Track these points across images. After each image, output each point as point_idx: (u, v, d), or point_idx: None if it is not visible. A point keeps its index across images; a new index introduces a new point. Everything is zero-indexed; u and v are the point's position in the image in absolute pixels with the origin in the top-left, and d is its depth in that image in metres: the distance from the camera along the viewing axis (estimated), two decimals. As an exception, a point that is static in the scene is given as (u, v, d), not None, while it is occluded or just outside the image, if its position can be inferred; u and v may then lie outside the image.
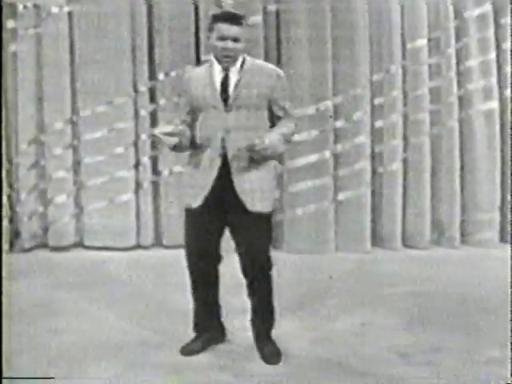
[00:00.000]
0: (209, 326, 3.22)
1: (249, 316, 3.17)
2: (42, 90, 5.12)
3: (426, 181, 5.20)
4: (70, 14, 5.10)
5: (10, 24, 5.09)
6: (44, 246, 5.25)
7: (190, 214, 2.98)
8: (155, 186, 5.26)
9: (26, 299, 3.95)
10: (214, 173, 2.90)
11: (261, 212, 2.92)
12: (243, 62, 2.91)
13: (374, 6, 5.09)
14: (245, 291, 3.11)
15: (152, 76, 5.14)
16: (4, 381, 2.78)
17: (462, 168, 5.23)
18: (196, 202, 2.93)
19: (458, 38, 5.16)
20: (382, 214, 5.21)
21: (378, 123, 5.17)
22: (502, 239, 5.25)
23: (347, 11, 5.03)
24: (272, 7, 5.09)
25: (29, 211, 5.22)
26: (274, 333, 3.21)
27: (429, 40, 5.14)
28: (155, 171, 5.24)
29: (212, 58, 2.92)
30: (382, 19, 5.10)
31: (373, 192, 5.19)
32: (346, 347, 3.26)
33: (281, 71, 3.02)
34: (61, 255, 5.12)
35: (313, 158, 5.09)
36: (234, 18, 2.83)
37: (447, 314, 3.72)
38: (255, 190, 2.90)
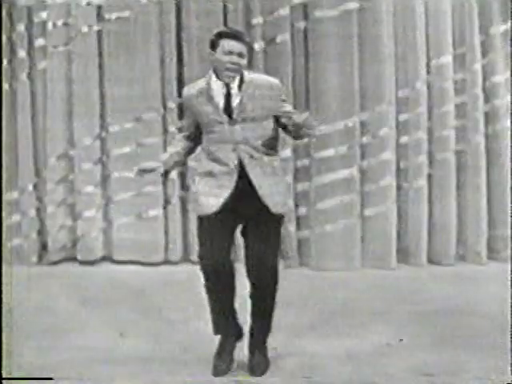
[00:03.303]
0: (227, 327, 3.26)
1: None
2: (71, 107, 5.22)
3: (452, 197, 5.21)
4: (99, 32, 5.19)
5: (39, 42, 5.20)
6: (73, 259, 5.33)
7: (206, 221, 3.08)
8: (183, 201, 5.33)
9: (52, 313, 4.04)
10: (232, 183, 3.02)
11: (280, 214, 3.09)
12: (242, 77, 3.02)
13: (400, 22, 5.13)
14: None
15: (181, 93, 5.20)
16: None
17: (488, 184, 5.23)
18: (212, 209, 3.04)
19: (483, 54, 5.17)
20: (408, 230, 5.22)
21: (404, 139, 5.19)
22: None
23: (373, 28, 5.06)
24: (300, 24, 5.13)
25: (57, 225, 5.29)
26: (301, 348, 3.27)
27: (454, 56, 5.16)
28: (183, 186, 5.30)
29: (211, 72, 3.04)
30: (408, 36, 5.12)
31: (398, 208, 5.21)
32: (371, 367, 3.27)
33: (278, 81, 3.13)
34: (89, 269, 5.19)
35: (341, 174, 5.12)
36: (237, 35, 3.03)
37: (472, 333, 3.71)
38: (274, 193, 3.05)
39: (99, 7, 5.18)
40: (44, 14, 5.18)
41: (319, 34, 5.07)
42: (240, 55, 2.97)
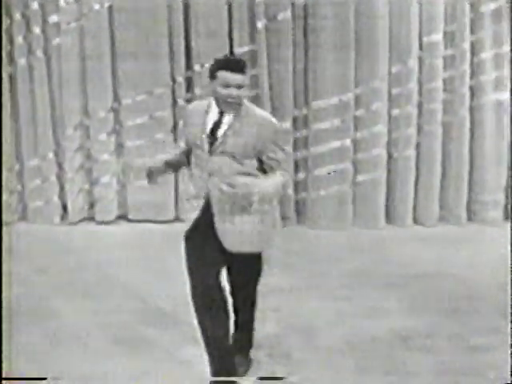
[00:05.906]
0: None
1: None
2: (85, 81, 5.55)
3: (437, 164, 5.65)
4: (110, 8, 5.45)
5: (53, 18, 5.48)
6: (91, 219, 5.84)
7: (188, 248, 3.01)
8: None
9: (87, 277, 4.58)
10: (198, 207, 2.97)
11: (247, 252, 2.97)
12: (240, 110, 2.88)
13: (394, 1, 5.39)
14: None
15: (188, 67, 5.53)
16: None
17: (471, 153, 5.65)
18: (192, 215, 3.00)
19: (472, 31, 5.46)
20: (396, 194, 5.69)
21: (395, 112, 5.56)
22: (506, 218, 5.75)
23: (369, 8, 5.35)
24: (300, 1, 5.38)
25: (76, 189, 5.75)
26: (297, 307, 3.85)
27: (445, 33, 5.44)
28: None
29: (212, 99, 2.92)
30: (402, 14, 5.39)
31: (388, 175, 5.66)
32: (355, 329, 3.76)
33: (278, 124, 2.97)
34: (106, 228, 5.72)
35: (336, 144, 5.54)
36: (237, 66, 2.83)
37: (448, 297, 4.21)
38: (235, 232, 2.92)
39: (109, -16, 5.41)
40: (56, -9, 5.43)
41: (317, 12, 5.35)
42: (239, 87, 2.81)
